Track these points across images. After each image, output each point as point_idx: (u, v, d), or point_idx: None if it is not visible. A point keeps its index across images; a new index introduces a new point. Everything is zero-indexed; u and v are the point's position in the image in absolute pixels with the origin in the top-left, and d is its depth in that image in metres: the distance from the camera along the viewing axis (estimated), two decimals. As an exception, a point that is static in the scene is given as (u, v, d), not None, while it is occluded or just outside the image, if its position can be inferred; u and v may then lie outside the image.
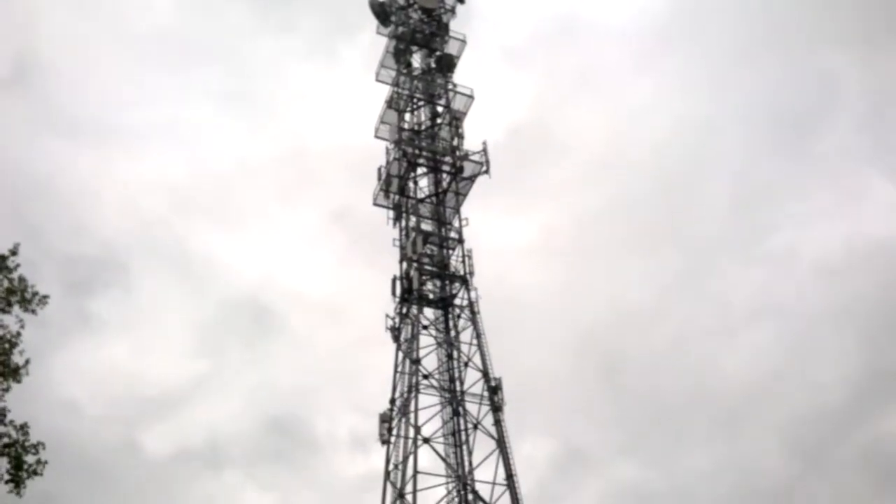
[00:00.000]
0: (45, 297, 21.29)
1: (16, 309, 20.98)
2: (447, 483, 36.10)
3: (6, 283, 20.70)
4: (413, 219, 43.84)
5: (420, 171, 45.50)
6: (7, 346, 20.41)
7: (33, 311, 21.49)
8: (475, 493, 35.86)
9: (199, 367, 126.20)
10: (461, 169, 45.34)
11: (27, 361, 21.11)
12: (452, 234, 44.33)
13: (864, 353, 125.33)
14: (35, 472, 19.93)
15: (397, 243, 43.89)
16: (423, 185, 45.40)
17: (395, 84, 47.78)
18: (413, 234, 42.89)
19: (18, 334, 20.70)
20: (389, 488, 37.31)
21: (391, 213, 45.13)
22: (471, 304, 42.22)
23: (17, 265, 20.84)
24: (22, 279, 20.74)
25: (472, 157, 45.38)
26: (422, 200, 44.75)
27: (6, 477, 20.00)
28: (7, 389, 20.40)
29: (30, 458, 20.28)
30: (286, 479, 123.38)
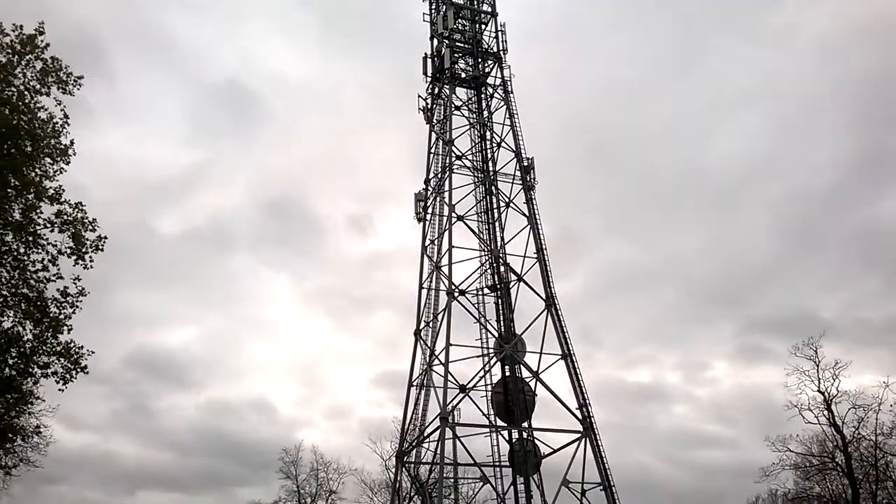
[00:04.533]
0: (80, 77, 21.20)
1: (54, 90, 21.04)
2: (480, 257, 37.86)
3: (39, 64, 20.52)
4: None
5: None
6: (54, 128, 20.75)
7: (70, 93, 21.54)
8: (507, 265, 37.68)
9: (196, 155, 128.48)
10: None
11: (72, 142, 21.56)
12: (485, 7, 42.17)
13: (859, 134, 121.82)
14: (98, 248, 21.26)
15: (426, 18, 42.07)
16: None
17: None
18: (444, 7, 40.89)
19: (66, 117, 20.91)
20: (426, 262, 39.35)
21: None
22: (504, 83, 41.29)
23: (47, 45, 20.52)
24: (55, 59, 20.51)
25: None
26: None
27: (68, 252, 21.32)
28: (60, 171, 21.12)
29: (89, 235, 21.51)
30: (293, 259, 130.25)
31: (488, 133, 40.53)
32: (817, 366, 49.16)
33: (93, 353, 21.21)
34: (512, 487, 34.32)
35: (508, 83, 41.26)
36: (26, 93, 20.66)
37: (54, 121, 20.83)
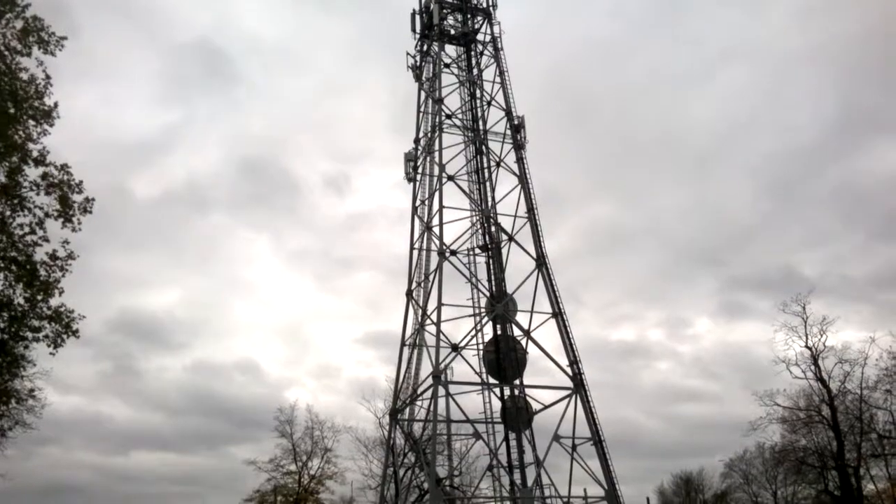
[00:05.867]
0: (63, 38, 20.81)
1: (35, 51, 20.65)
2: (471, 217, 37.82)
3: (20, 24, 20.10)
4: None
5: None
6: (37, 89, 20.40)
7: (52, 53, 21.15)
8: (497, 225, 37.68)
9: (170, 116, 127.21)
10: None
11: (55, 105, 21.23)
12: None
13: (839, 95, 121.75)
14: (86, 210, 21.11)
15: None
16: None
17: None
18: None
19: (48, 78, 20.55)
20: (417, 223, 39.28)
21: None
22: (494, 40, 40.77)
23: (28, 3, 20.06)
24: (37, 18, 20.08)
25: None
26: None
27: (55, 215, 21.17)
28: (44, 133, 20.83)
29: (77, 197, 21.34)
30: (272, 220, 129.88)
31: (478, 91, 40.14)
32: (805, 322, 49.92)
33: (84, 317, 21.25)
34: (504, 443, 34.86)
35: (498, 40, 40.76)
36: (7, 53, 20.28)
37: (37, 82, 20.51)
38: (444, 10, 40.44)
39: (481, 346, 35.88)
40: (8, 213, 20.64)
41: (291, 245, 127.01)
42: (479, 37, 41.15)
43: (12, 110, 20.29)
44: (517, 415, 34.79)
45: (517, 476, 33.99)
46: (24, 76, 20.71)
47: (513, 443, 34.94)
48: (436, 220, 36.11)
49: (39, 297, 20.70)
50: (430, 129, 39.81)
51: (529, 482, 33.12)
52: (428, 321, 34.81)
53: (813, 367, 49.44)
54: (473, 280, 36.23)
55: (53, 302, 20.88)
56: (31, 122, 20.88)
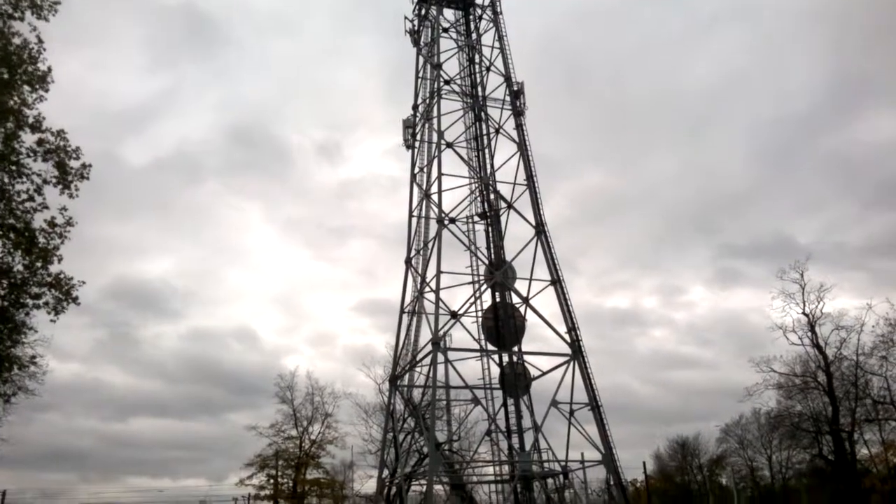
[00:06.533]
0: (56, 2, 20.51)
1: (28, 16, 20.38)
2: (470, 184, 37.69)
3: (12, -13, 19.82)
4: None
5: None
6: (31, 54, 20.18)
7: (45, 19, 20.88)
8: (497, 192, 37.58)
9: (160, 82, 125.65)
10: None
11: (49, 69, 21.01)
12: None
13: (834, 60, 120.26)
14: (83, 176, 21.01)
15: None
16: None
17: None
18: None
19: (41, 42, 20.30)
20: (416, 190, 39.17)
21: None
22: (493, 3, 40.21)
23: (19, -33, 19.75)
24: (29, -19, 19.78)
25: None
26: None
27: (53, 181, 21.08)
28: (40, 99, 20.65)
29: (73, 163, 21.22)
30: (264, 188, 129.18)
31: (477, 57, 39.71)
32: (803, 289, 50.14)
33: (83, 283, 21.27)
34: (503, 409, 35.21)
35: (497, 3, 40.21)
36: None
37: (30, 46, 20.26)
38: (443, -26, 39.84)
39: (480, 314, 36.06)
40: (6, 179, 20.55)
41: (284, 213, 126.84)
42: (478, 0, 40.61)
43: (6, 75, 20.08)
44: (515, 381, 35.08)
45: (515, 440, 34.40)
46: (17, 41, 20.47)
47: (511, 408, 35.31)
48: (434, 188, 35.99)
49: (39, 265, 20.70)
50: (428, 95, 39.47)
51: (527, 447, 33.53)
52: (427, 289, 34.91)
53: (810, 334, 49.80)
54: (472, 248, 36.26)
55: (53, 269, 20.91)
56: (26, 88, 20.68)
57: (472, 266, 36.36)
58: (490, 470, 36.06)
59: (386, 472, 36.34)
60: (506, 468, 34.38)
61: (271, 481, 56.58)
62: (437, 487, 33.76)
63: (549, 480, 34.34)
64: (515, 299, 35.90)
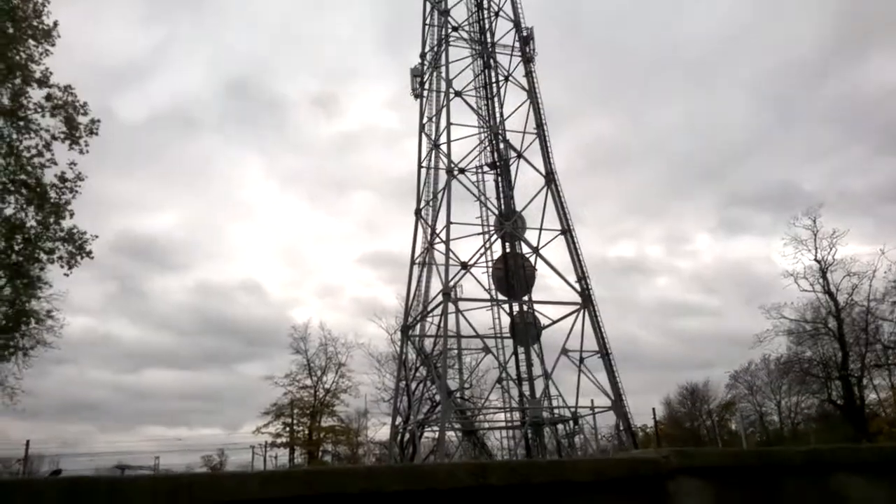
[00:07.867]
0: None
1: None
2: (479, 133, 37.39)
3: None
4: None
5: None
6: (35, 8, 20.00)
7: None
8: (506, 141, 37.29)
9: (151, 36, 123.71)
10: None
11: (55, 24, 20.86)
12: None
13: (840, 4, 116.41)
14: (92, 132, 21.02)
15: None
16: None
17: None
18: None
19: None
20: (424, 140, 38.92)
21: None
22: (501, -53, 39.18)
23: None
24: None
25: None
26: None
27: (62, 137, 21.11)
28: (46, 54, 20.53)
29: (82, 119, 21.23)
30: (261, 142, 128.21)
31: (485, 2, 38.92)
32: (815, 235, 49.89)
33: (96, 237, 21.49)
34: (513, 357, 35.63)
35: (506, -53, 39.17)
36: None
37: (33, 0, 20.08)
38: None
39: (490, 264, 36.18)
40: (15, 135, 20.61)
41: (284, 166, 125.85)
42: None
43: (11, 30, 19.95)
44: (525, 330, 35.39)
45: (526, 388, 34.88)
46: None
47: (521, 357, 35.70)
48: (443, 138, 35.77)
49: (51, 220, 20.90)
50: (436, 42, 38.87)
51: (538, 394, 34.02)
52: (437, 240, 35.01)
53: (821, 280, 49.75)
54: (482, 198, 36.21)
55: (65, 224, 21.11)
56: (32, 42, 20.56)
57: (481, 216, 36.36)
58: (501, 416, 36.71)
59: (399, 420, 37.07)
60: (516, 415, 34.94)
61: (287, 429, 57.87)
62: (449, 434, 34.47)
63: (560, 426, 34.93)
64: (525, 249, 36.00)
